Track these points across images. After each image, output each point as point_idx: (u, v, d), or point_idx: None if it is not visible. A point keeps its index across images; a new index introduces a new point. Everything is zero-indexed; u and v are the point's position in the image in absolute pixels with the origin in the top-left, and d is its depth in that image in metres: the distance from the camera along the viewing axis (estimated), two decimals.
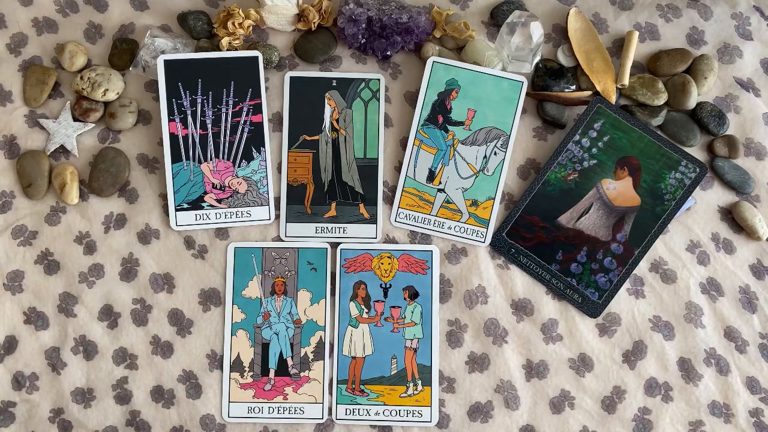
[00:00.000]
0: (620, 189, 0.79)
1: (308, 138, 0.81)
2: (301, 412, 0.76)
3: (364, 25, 0.80)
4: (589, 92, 0.81)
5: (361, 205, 0.80)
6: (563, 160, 0.80)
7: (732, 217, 0.80)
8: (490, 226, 0.79)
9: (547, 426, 0.76)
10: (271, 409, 0.76)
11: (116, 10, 0.84)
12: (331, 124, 0.81)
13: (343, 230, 0.79)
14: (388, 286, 0.78)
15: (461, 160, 0.80)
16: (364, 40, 0.81)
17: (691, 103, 0.82)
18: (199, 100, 0.79)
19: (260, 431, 0.76)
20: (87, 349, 0.77)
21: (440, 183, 0.80)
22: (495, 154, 0.80)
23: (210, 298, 0.78)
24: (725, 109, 0.83)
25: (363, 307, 0.78)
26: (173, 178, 0.79)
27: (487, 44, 0.82)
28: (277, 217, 0.80)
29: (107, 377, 0.76)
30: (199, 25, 0.82)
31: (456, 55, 0.83)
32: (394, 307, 0.78)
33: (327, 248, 0.78)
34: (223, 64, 0.80)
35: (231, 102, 0.80)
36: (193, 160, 0.79)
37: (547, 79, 0.82)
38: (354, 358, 0.77)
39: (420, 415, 0.75)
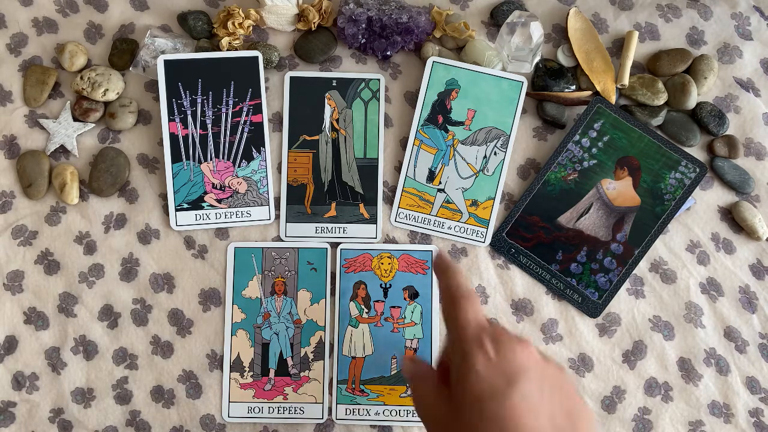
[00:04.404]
0: (620, 189, 0.79)
1: (308, 138, 0.81)
2: (301, 412, 0.76)
3: (364, 25, 0.80)
4: (589, 92, 0.81)
5: (361, 205, 0.80)
6: (563, 160, 0.80)
7: (732, 217, 0.80)
8: (490, 226, 0.79)
9: None
10: (271, 409, 0.76)
11: (116, 10, 0.84)
12: (331, 124, 0.81)
13: (343, 230, 0.79)
14: (388, 286, 0.78)
15: (461, 160, 0.80)
16: (364, 40, 0.81)
17: (691, 103, 0.82)
18: (199, 100, 0.79)
19: (260, 431, 0.76)
20: (87, 349, 0.77)
21: (440, 183, 0.80)
22: (495, 154, 0.80)
23: (210, 298, 0.78)
24: (725, 109, 0.83)
25: (363, 307, 0.78)
26: (173, 178, 0.79)
27: (487, 44, 0.82)
28: (277, 217, 0.80)
29: (107, 377, 0.76)
30: (199, 25, 0.82)
31: (456, 55, 0.83)
32: (394, 307, 0.78)
33: (327, 248, 0.78)
34: (223, 64, 0.80)
35: (231, 102, 0.80)
36: (193, 160, 0.79)
37: (547, 79, 0.82)
38: (354, 358, 0.77)
39: None
